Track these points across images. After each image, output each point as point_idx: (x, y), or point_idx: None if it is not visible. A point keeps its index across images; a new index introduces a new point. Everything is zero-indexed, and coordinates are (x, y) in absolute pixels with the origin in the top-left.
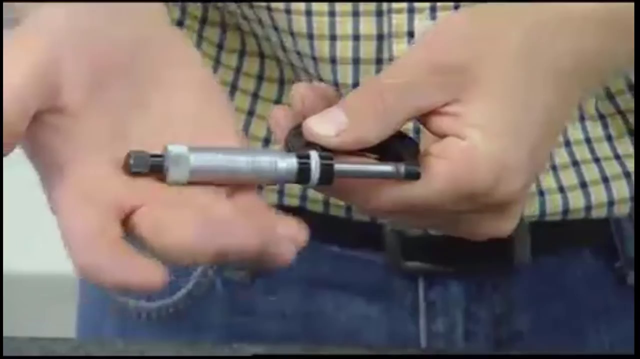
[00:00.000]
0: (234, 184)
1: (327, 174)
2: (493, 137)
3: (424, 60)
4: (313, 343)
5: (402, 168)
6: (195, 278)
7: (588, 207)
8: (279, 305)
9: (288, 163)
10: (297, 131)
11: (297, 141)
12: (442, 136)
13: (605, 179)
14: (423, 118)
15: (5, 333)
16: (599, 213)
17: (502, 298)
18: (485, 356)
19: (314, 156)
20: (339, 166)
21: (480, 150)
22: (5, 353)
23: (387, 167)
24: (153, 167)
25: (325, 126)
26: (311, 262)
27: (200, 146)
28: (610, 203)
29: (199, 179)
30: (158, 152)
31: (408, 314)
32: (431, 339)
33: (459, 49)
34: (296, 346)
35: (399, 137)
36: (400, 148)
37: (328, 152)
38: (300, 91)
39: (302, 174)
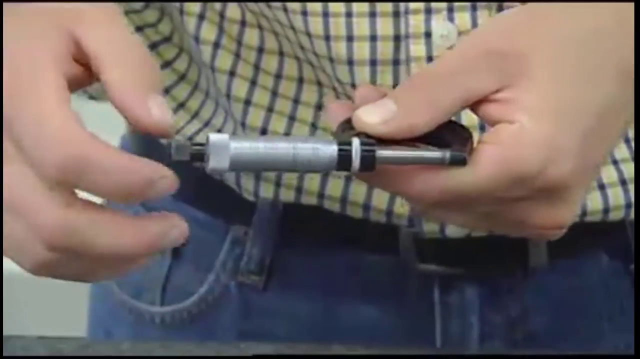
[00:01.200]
0: (275, 171)
1: (368, 160)
2: (542, 118)
3: (476, 46)
4: (320, 343)
5: (447, 154)
6: (208, 283)
7: (606, 210)
8: (293, 309)
9: (329, 150)
10: (348, 124)
11: (347, 133)
12: (494, 123)
13: (623, 182)
14: (475, 106)
15: (12, 332)
16: (616, 215)
17: (517, 301)
18: (498, 356)
19: (355, 142)
20: (380, 152)
21: (528, 131)
22: (13, 352)
23: (432, 153)
24: (194, 156)
25: (374, 115)
26: (326, 266)
27: (241, 135)
28: (628, 205)
29: (239, 167)
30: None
31: (423, 318)
32: (446, 342)
33: (514, 35)
34: (302, 346)
35: (452, 126)
36: (451, 137)
37: (371, 139)
38: (362, 91)
39: (343, 161)
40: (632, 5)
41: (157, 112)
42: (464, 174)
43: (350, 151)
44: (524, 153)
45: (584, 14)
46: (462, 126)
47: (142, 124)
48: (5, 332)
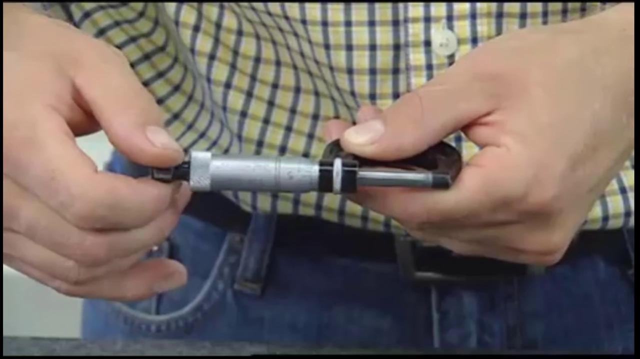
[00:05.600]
0: (257, 191)
1: (349, 181)
2: (527, 141)
3: (467, 69)
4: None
5: (430, 176)
6: (204, 291)
7: (605, 218)
8: (290, 317)
9: (311, 170)
10: (337, 146)
11: (336, 153)
12: (483, 146)
13: (623, 190)
14: (466, 129)
15: (6, 333)
16: (615, 223)
17: (515, 308)
18: (497, 356)
19: (337, 163)
20: (362, 174)
21: (513, 154)
22: (7, 353)
23: (414, 175)
24: (176, 174)
25: (361, 135)
26: (323, 274)
27: (225, 154)
28: (627, 213)
29: (221, 186)
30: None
31: (421, 325)
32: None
33: (505, 59)
34: (296, 347)
35: (443, 148)
36: (441, 159)
37: (354, 160)
38: (365, 112)
39: (324, 182)
40: (632, 20)
41: (161, 140)
42: (446, 196)
43: (331, 171)
44: (507, 176)
45: (581, 37)
46: (452, 148)
47: (147, 154)
48: None
